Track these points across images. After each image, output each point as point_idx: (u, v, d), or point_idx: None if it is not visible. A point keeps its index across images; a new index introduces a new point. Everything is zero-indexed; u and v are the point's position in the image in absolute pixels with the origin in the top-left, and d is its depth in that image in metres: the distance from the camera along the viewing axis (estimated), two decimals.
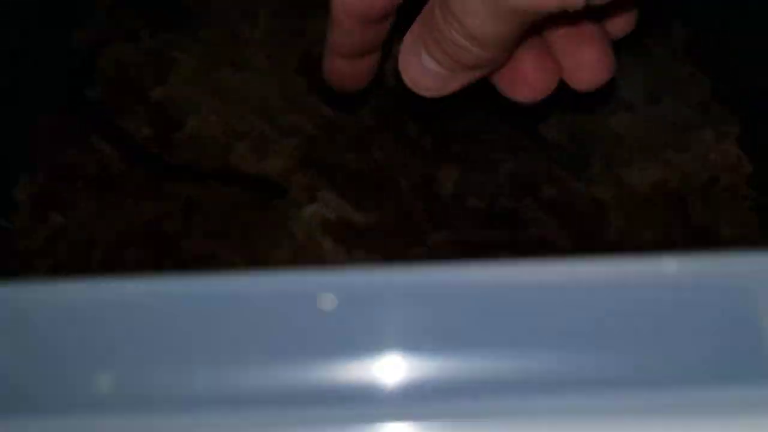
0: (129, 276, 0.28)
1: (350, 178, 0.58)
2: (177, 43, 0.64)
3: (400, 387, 0.26)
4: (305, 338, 0.27)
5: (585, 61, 0.38)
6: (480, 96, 0.43)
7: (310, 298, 0.27)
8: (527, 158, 0.60)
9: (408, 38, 0.33)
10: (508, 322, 0.27)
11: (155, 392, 0.26)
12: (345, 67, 0.41)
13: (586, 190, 0.58)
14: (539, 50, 0.36)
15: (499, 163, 0.60)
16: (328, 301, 0.26)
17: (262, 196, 0.57)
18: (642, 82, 0.62)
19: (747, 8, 0.59)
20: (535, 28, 0.34)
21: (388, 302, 0.27)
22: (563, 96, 0.43)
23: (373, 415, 0.25)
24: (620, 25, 0.38)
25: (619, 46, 0.42)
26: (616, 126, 0.60)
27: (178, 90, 0.61)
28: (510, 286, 0.27)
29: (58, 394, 0.26)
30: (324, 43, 0.41)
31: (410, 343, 0.27)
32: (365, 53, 0.40)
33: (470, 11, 0.28)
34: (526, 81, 0.37)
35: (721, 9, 0.62)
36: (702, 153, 0.59)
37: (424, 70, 0.33)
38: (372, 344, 0.26)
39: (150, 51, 0.64)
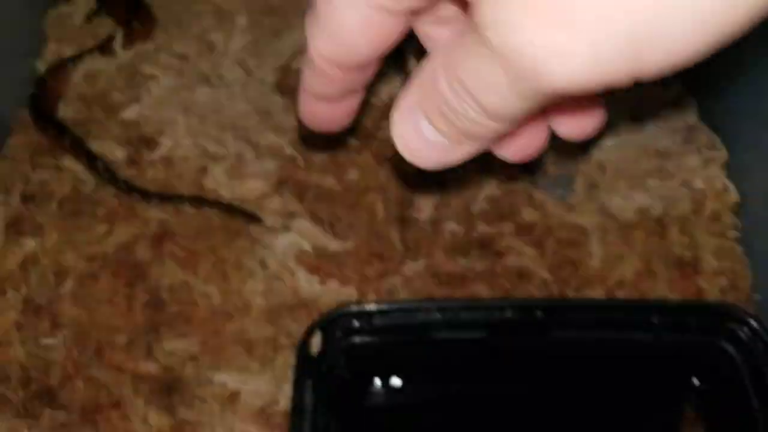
0: None
1: (326, 202, 0.57)
2: (152, 58, 0.63)
3: None
4: None
5: (576, 114, 0.36)
6: None
7: None
8: (508, 182, 0.59)
9: (403, 103, 0.29)
10: None
11: None
12: (322, 110, 0.37)
13: (568, 216, 0.57)
14: None
15: (478, 186, 0.59)
16: None
17: (237, 222, 0.55)
18: (628, 105, 0.60)
19: None
20: None
21: None
22: None
23: None
24: None
25: None
26: (600, 151, 0.59)
27: (152, 108, 0.59)
28: None
29: None
30: (300, 60, 0.36)
31: None
32: (345, 96, 0.36)
33: (490, 88, 0.25)
34: (521, 143, 0.35)
35: None
36: (686, 180, 0.58)
37: (425, 141, 0.29)
38: None
39: (124, 66, 0.62)
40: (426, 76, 0.28)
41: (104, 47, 0.62)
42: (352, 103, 0.37)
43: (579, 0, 0.21)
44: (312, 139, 0.60)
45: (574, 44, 0.22)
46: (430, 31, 0.35)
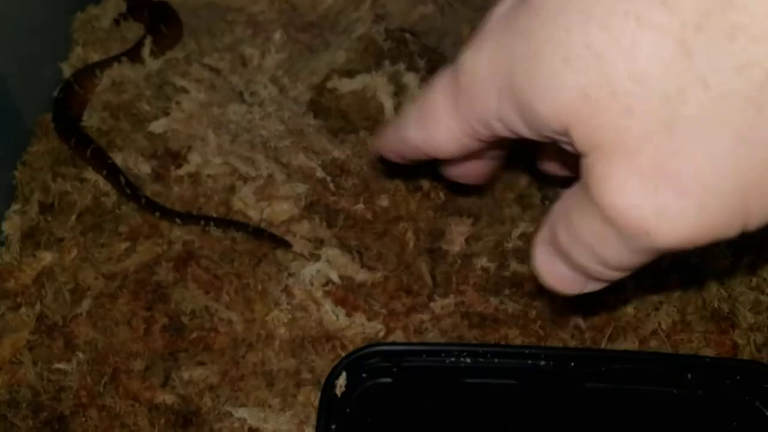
0: None
1: (356, 229, 0.55)
2: (182, 69, 0.61)
3: None
4: None
5: None
6: None
7: None
8: (542, 218, 0.57)
9: (538, 240, 0.32)
10: None
11: None
12: (395, 156, 0.40)
13: None
14: None
15: (513, 223, 0.57)
16: None
17: (264, 245, 0.53)
18: None
19: None
20: None
21: None
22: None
23: None
24: None
25: None
26: None
27: (182, 123, 0.57)
28: None
29: None
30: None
31: None
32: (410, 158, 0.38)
33: (605, 243, 0.27)
34: None
35: None
36: None
37: (560, 275, 0.32)
38: None
39: (153, 76, 0.60)
40: (552, 220, 0.30)
41: (132, 54, 0.60)
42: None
43: (685, 170, 0.23)
44: (345, 162, 0.58)
45: (682, 207, 0.24)
46: None
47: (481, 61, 0.28)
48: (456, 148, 0.33)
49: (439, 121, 0.32)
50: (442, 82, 0.32)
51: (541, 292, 0.54)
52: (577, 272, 0.31)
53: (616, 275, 0.29)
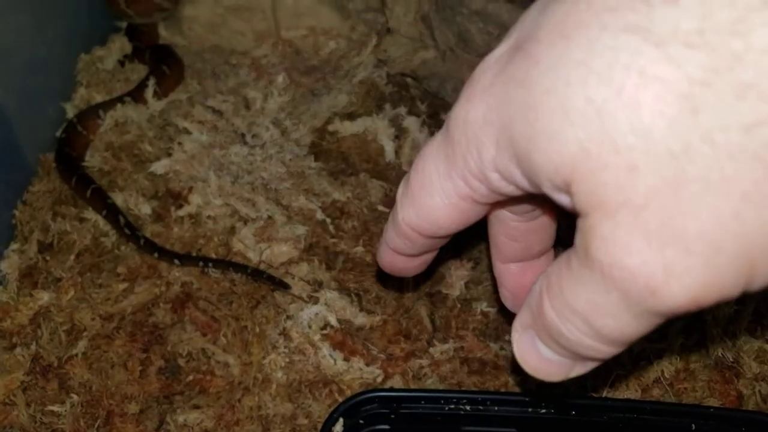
0: None
1: (355, 271, 0.55)
2: (185, 110, 0.61)
3: None
4: None
5: None
6: None
7: None
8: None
9: (518, 324, 0.30)
10: None
11: None
12: (401, 261, 0.38)
13: None
14: None
15: None
16: None
17: (262, 287, 0.53)
18: None
19: None
20: None
21: None
22: None
23: None
24: None
25: None
26: None
27: (183, 164, 0.57)
28: None
29: None
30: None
31: None
32: (423, 253, 0.37)
33: (603, 311, 0.25)
34: None
35: None
36: None
37: (544, 359, 0.29)
38: None
39: (155, 117, 0.61)
40: (533, 300, 0.28)
41: (136, 94, 0.61)
42: (427, 258, 0.38)
43: (692, 228, 0.23)
44: (345, 205, 0.58)
45: (689, 265, 0.23)
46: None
47: (476, 110, 0.27)
48: (454, 215, 0.31)
49: (432, 188, 0.31)
50: (431, 147, 0.31)
51: None
52: (565, 354, 0.29)
53: (610, 351, 0.27)
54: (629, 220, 0.23)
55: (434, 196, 0.31)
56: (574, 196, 0.25)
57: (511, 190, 0.28)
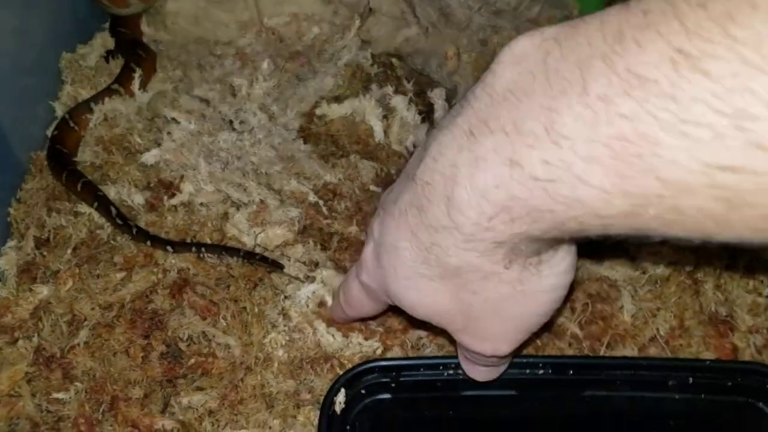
0: None
1: (350, 250, 0.56)
2: (173, 101, 0.62)
3: None
4: None
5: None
6: None
7: None
8: None
9: (460, 357, 0.46)
10: None
11: None
12: (354, 318, 0.51)
13: (598, 269, 0.56)
14: None
15: None
16: None
17: (259, 270, 0.54)
18: None
19: None
20: None
21: None
22: None
23: None
24: None
25: None
26: None
27: (173, 153, 0.58)
28: None
29: None
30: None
31: None
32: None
33: (481, 358, 0.43)
34: None
35: None
36: None
37: (482, 372, 0.46)
38: None
39: (143, 109, 0.61)
40: (460, 350, 0.45)
41: (123, 80, 0.61)
42: (378, 311, 0.49)
43: (498, 336, 0.41)
44: (337, 186, 0.59)
45: (499, 346, 0.41)
46: None
47: (370, 279, 0.43)
48: (380, 306, 0.46)
49: (362, 304, 0.46)
50: (356, 288, 0.45)
51: None
52: (491, 366, 0.45)
53: (504, 362, 0.46)
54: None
55: (364, 307, 0.46)
56: None
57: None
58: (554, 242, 0.35)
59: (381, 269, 0.41)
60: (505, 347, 0.41)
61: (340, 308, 0.49)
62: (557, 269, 0.37)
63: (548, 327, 0.53)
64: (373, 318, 0.52)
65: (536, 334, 0.52)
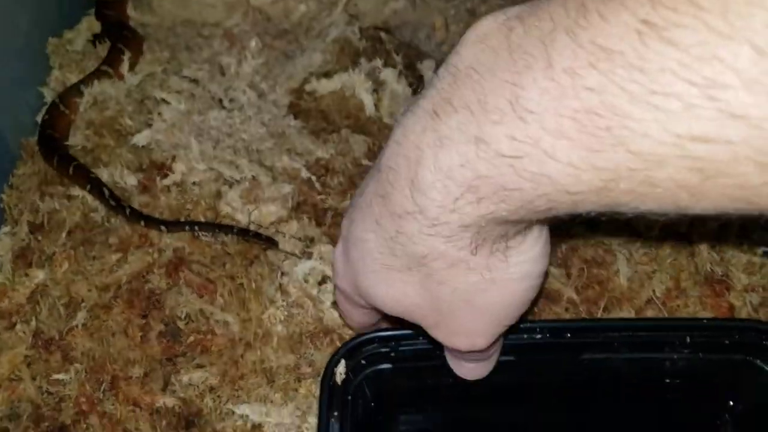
0: None
1: None
2: (162, 82, 0.62)
3: None
4: None
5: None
6: None
7: None
8: None
9: (448, 356, 0.45)
10: None
11: None
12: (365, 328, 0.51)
13: (593, 234, 0.56)
14: None
15: None
16: None
17: (254, 247, 0.54)
18: None
19: None
20: None
21: None
22: None
23: None
24: None
25: None
26: None
27: (164, 133, 0.58)
28: None
29: None
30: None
31: None
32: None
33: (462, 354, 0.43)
34: None
35: None
36: None
37: (470, 369, 0.45)
38: None
39: (133, 91, 0.61)
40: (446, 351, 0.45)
41: (112, 61, 0.61)
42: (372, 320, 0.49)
43: (471, 330, 0.39)
44: (329, 161, 0.58)
45: (474, 341, 0.40)
46: None
47: (343, 282, 0.43)
48: (368, 318, 0.46)
49: (351, 312, 0.45)
50: (338, 296, 0.45)
51: None
52: (477, 361, 0.45)
53: (488, 355, 0.45)
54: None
55: (354, 316, 0.46)
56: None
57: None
58: (522, 226, 0.34)
59: (350, 266, 0.40)
60: (481, 341, 0.40)
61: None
62: (527, 256, 0.36)
63: (541, 295, 0.53)
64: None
65: (534, 301, 0.53)
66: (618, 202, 0.29)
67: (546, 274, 0.46)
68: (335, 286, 0.44)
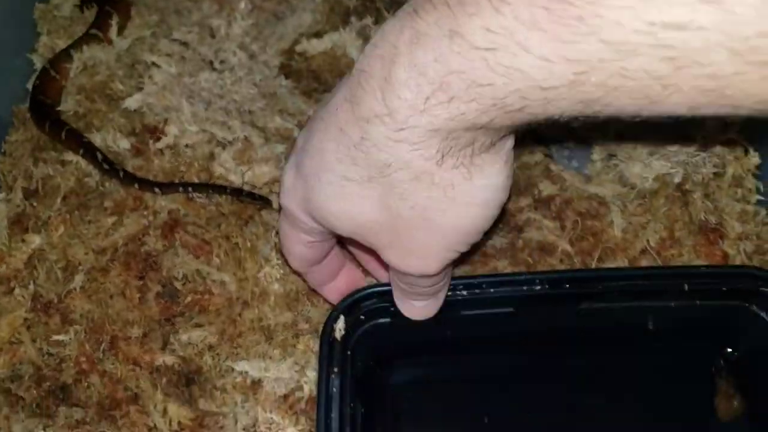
0: None
1: None
2: (152, 46, 0.61)
3: None
4: None
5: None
6: None
7: None
8: (524, 155, 0.58)
9: (395, 295, 0.45)
10: None
11: None
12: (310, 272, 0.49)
13: (586, 187, 0.56)
14: None
15: None
16: None
17: (249, 207, 0.54)
18: None
19: None
20: None
21: None
22: None
23: None
24: None
25: None
26: (617, 120, 0.57)
27: (155, 96, 0.57)
28: None
29: None
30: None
31: None
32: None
33: (414, 280, 0.42)
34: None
35: None
36: (706, 144, 0.56)
37: (419, 309, 0.46)
38: None
39: (123, 55, 0.61)
40: (391, 280, 0.45)
41: (99, 25, 0.60)
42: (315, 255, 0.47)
43: (425, 251, 0.39)
44: None
45: (427, 264, 0.39)
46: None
47: (291, 202, 0.41)
48: (311, 252, 0.44)
49: (292, 240, 0.44)
50: (281, 222, 0.44)
51: (528, 225, 0.54)
52: (427, 300, 0.45)
53: (437, 288, 0.44)
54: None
55: (295, 246, 0.44)
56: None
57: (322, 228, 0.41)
58: (490, 139, 0.34)
59: (302, 180, 0.39)
60: (434, 264, 0.39)
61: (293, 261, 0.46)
62: (490, 182, 0.36)
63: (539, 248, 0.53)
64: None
65: (529, 254, 0.53)
66: (590, 98, 0.29)
67: (504, 210, 0.47)
68: (280, 207, 0.43)
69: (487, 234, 0.53)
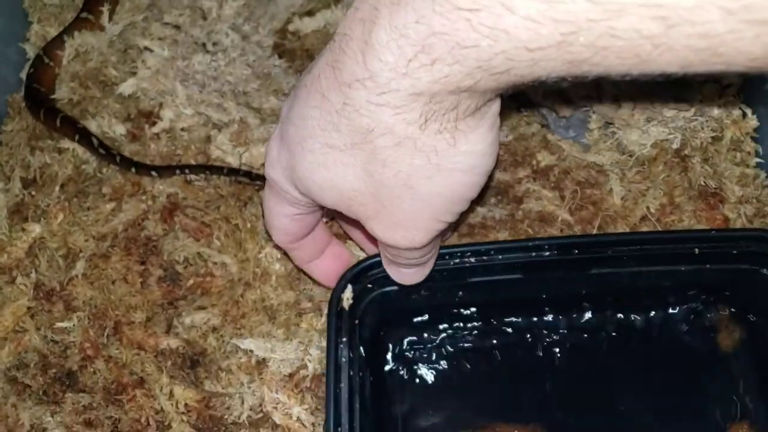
0: None
1: None
2: (144, 30, 0.61)
3: None
4: None
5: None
6: None
7: None
8: (521, 126, 0.57)
9: (384, 262, 0.45)
10: None
11: None
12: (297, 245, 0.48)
13: (585, 156, 0.55)
14: None
15: None
16: None
17: (247, 189, 0.54)
18: None
19: None
20: None
21: None
22: None
23: None
24: None
25: None
26: (613, 86, 0.57)
27: (150, 81, 0.57)
28: None
29: None
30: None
31: None
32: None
33: (402, 252, 0.41)
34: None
35: None
36: (704, 109, 0.56)
37: (407, 275, 0.45)
38: None
39: (115, 41, 0.60)
40: (382, 253, 0.45)
41: (92, 9, 0.60)
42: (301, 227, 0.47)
43: (411, 222, 0.38)
44: None
45: (413, 236, 0.39)
46: None
47: (276, 172, 0.40)
48: (297, 225, 0.44)
49: (277, 214, 0.43)
50: (266, 192, 0.43)
51: (527, 195, 0.54)
52: (414, 267, 0.44)
53: (424, 259, 0.43)
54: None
55: (279, 219, 0.43)
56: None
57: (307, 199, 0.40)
58: (475, 102, 0.33)
59: (285, 150, 0.38)
60: (420, 236, 0.38)
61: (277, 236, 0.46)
62: (475, 147, 0.35)
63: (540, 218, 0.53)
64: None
65: (529, 224, 0.53)
66: (579, 59, 0.28)
67: (492, 177, 0.48)
68: (265, 177, 0.42)
69: (486, 206, 0.54)
